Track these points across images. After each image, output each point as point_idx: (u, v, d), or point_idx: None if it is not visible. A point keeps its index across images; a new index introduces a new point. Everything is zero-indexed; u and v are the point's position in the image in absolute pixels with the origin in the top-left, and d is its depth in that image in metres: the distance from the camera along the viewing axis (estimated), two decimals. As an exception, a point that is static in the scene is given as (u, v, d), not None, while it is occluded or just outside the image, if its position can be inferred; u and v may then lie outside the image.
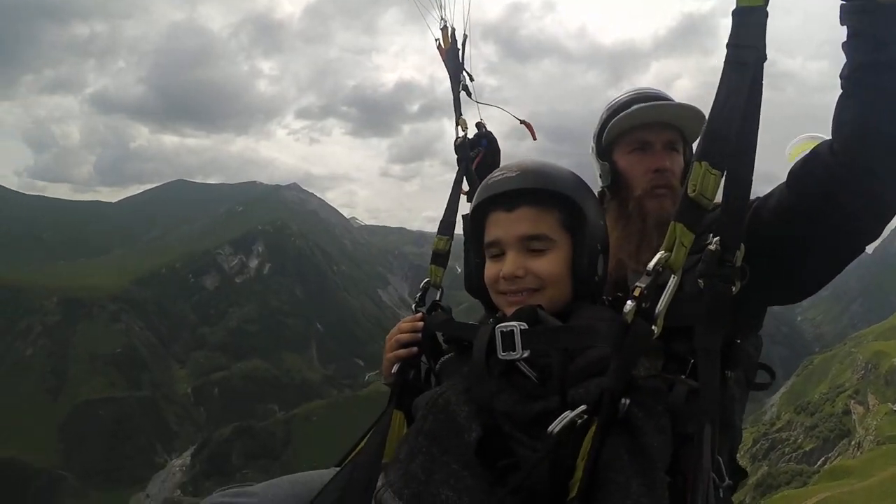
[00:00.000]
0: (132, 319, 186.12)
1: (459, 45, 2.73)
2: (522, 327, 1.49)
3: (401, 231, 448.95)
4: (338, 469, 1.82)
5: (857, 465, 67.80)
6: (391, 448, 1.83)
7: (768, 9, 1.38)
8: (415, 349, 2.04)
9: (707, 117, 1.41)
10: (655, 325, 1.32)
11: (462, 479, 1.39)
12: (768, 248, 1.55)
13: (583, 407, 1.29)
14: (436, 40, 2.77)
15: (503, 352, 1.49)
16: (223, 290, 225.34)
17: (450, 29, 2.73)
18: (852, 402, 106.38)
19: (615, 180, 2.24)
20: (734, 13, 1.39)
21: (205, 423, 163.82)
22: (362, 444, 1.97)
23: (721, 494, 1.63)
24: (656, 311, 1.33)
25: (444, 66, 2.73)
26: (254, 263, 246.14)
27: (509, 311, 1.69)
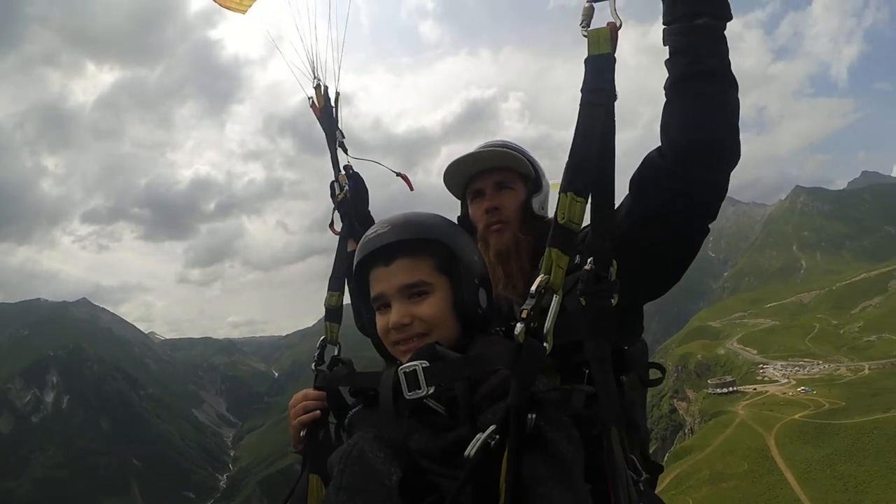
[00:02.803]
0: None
1: (332, 104, 2.89)
2: (424, 365, 1.60)
3: (207, 341, 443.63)
4: None
5: (694, 443, 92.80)
6: None
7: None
8: (318, 413, 2.16)
9: (568, 153, 1.60)
10: (546, 343, 1.47)
11: None
12: (630, 253, 1.74)
13: (492, 427, 1.39)
14: (309, 99, 2.91)
15: (409, 391, 1.59)
16: (20, 433, 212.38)
17: (323, 88, 2.88)
18: (675, 400, 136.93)
19: (468, 228, 2.47)
20: (586, 61, 1.63)
21: None
22: None
23: (641, 488, 1.80)
24: (545, 329, 1.48)
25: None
26: (49, 397, 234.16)
27: (405, 358, 1.80)
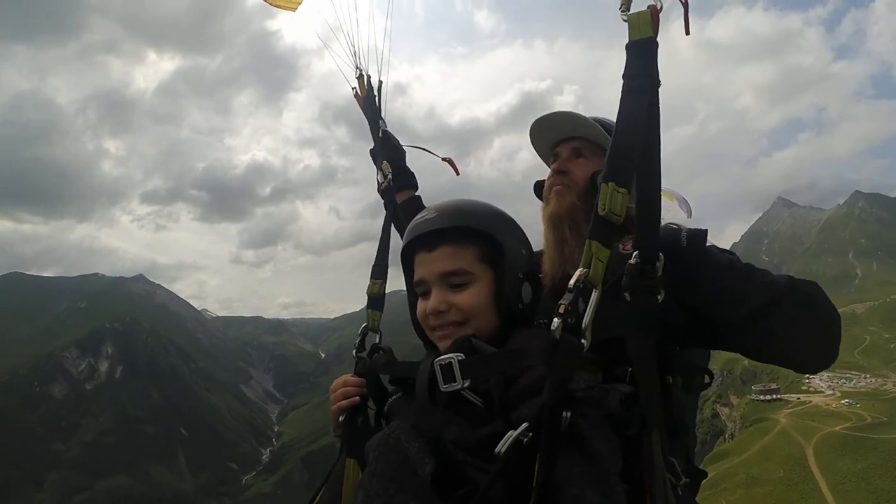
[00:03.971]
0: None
1: (375, 92, 2.90)
2: (459, 358, 1.60)
3: (257, 320, 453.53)
4: None
5: (733, 448, 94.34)
6: (348, 497, 1.97)
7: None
8: (357, 399, 2.16)
9: (610, 142, 1.57)
10: (584, 339, 1.42)
11: None
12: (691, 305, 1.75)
13: (525, 424, 1.38)
14: (353, 89, 2.91)
15: (445, 384, 1.60)
16: (73, 399, 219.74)
17: (366, 77, 2.89)
18: (718, 405, 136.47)
19: (541, 194, 2.48)
20: (628, 47, 1.58)
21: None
22: (318, 497, 2.08)
23: (679, 492, 1.73)
24: (583, 325, 1.43)
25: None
26: (104, 366, 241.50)
27: (441, 345, 1.85)
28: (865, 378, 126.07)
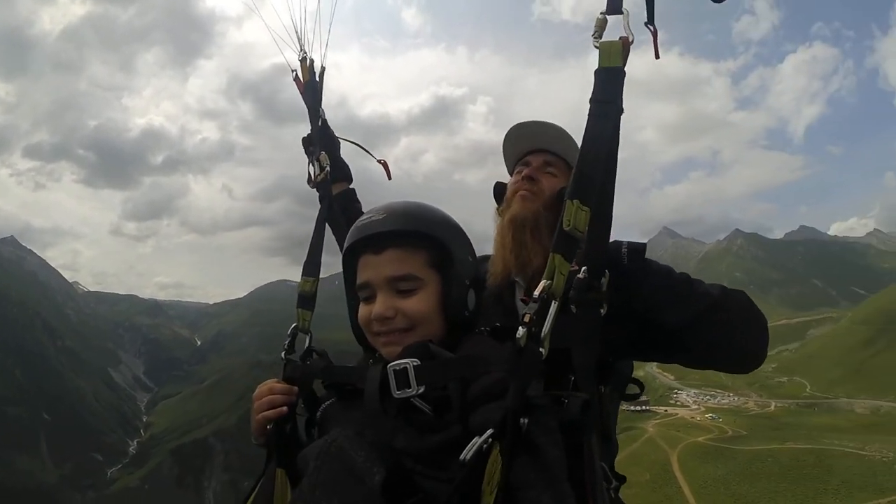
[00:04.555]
0: None
1: (318, 78, 2.78)
2: (415, 363, 1.58)
3: (132, 299, 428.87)
4: None
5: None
6: None
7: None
8: (285, 409, 2.01)
9: (576, 161, 1.58)
10: (543, 348, 1.46)
11: None
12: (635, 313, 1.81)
13: (490, 430, 1.37)
14: (293, 72, 2.79)
15: (398, 390, 1.57)
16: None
17: (308, 61, 2.77)
18: None
19: (502, 194, 2.55)
20: (597, 73, 1.61)
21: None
22: None
23: (612, 495, 1.86)
24: (542, 334, 1.46)
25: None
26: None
27: (385, 351, 1.81)
28: (729, 396, 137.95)
